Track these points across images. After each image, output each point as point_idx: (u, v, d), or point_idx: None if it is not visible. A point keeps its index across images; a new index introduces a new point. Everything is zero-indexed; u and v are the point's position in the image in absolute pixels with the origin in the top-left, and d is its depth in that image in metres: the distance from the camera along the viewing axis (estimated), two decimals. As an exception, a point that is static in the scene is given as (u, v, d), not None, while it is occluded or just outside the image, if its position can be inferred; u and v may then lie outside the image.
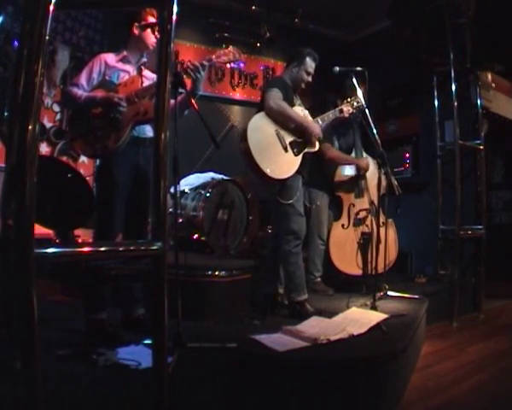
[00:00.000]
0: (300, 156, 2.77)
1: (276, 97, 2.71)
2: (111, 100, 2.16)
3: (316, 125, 2.82)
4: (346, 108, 3.02)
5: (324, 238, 3.55)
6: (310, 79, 2.90)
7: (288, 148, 2.72)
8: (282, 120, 2.73)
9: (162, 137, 1.06)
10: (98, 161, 2.42)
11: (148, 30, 2.30)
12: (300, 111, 2.85)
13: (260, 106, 2.83)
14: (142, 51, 2.37)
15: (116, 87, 2.24)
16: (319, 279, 3.50)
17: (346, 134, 3.74)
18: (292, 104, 2.81)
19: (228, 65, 2.44)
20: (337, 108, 2.98)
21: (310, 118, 2.88)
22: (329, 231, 3.57)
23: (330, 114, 2.96)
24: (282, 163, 2.70)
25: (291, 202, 2.73)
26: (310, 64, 2.86)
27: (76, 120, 2.26)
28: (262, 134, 2.69)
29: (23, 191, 0.76)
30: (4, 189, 0.78)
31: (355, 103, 3.07)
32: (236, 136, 5.44)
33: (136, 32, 2.30)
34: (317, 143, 2.86)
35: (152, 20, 2.29)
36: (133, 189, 2.29)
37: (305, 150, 2.80)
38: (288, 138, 2.74)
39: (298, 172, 2.75)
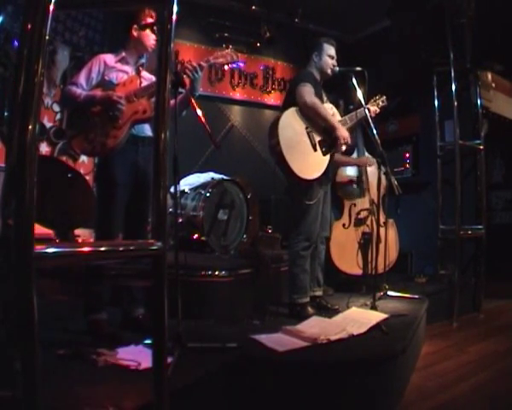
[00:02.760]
0: (328, 156, 2.76)
1: (310, 93, 2.67)
2: (110, 98, 2.17)
3: (344, 129, 2.77)
4: (373, 108, 3.00)
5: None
6: (334, 62, 2.87)
7: (317, 146, 2.71)
8: (314, 118, 2.71)
9: (162, 137, 1.06)
10: (97, 160, 2.42)
11: (147, 31, 2.31)
12: (330, 109, 2.83)
13: (289, 100, 2.78)
14: (141, 53, 2.39)
15: (115, 87, 2.25)
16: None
17: (350, 135, 3.74)
18: (321, 101, 2.79)
19: (226, 66, 2.45)
20: (363, 108, 2.90)
21: (338, 117, 2.87)
22: (330, 230, 3.57)
23: (357, 113, 2.91)
24: (311, 163, 2.68)
25: (312, 202, 2.70)
26: (329, 48, 2.86)
27: (75, 118, 2.27)
28: (292, 131, 2.66)
29: (23, 191, 0.76)
30: (4, 189, 0.78)
31: (380, 102, 3.06)
32: (238, 135, 5.46)
33: (134, 33, 2.32)
34: (344, 146, 2.84)
35: (151, 21, 2.29)
36: (133, 188, 2.30)
37: (333, 150, 2.79)
38: (318, 137, 2.73)
39: (323, 172, 2.73)
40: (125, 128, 2.21)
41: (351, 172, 3.66)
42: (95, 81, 2.26)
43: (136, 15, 2.30)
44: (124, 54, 2.35)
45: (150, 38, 2.32)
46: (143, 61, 2.40)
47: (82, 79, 2.24)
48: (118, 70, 2.31)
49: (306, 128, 2.70)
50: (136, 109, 2.23)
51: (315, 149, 2.70)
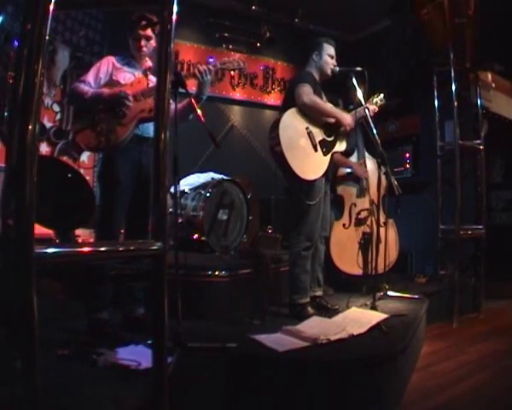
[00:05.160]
0: (329, 157, 2.77)
1: (309, 92, 2.68)
2: (118, 95, 2.20)
3: (348, 115, 2.80)
4: (372, 107, 3.00)
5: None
6: (334, 62, 2.88)
7: (318, 147, 2.72)
8: (315, 116, 2.72)
9: (162, 137, 1.06)
10: (101, 159, 2.43)
11: (132, 39, 2.35)
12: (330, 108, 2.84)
13: (288, 101, 2.79)
14: (144, 57, 2.41)
15: (122, 86, 2.28)
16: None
17: (349, 135, 3.74)
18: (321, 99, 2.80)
19: (232, 72, 2.47)
20: (363, 106, 2.90)
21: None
22: (331, 230, 3.57)
23: (357, 113, 2.91)
24: (312, 163, 2.69)
25: (314, 202, 2.71)
26: (329, 47, 2.87)
27: (81, 113, 2.29)
28: (293, 132, 2.67)
29: (23, 191, 0.76)
30: (4, 189, 0.78)
31: (378, 101, 3.09)
32: (238, 135, 5.46)
33: (130, 41, 2.37)
34: (344, 143, 2.86)
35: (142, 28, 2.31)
36: (136, 188, 2.31)
37: (334, 150, 2.80)
38: (318, 137, 2.74)
39: (324, 173, 2.74)
40: (130, 126, 2.24)
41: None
42: (103, 81, 2.30)
43: (130, 22, 2.34)
44: (130, 58, 2.40)
45: (136, 45, 2.34)
46: (149, 64, 2.42)
47: (90, 77, 2.28)
48: (125, 72, 2.34)
49: (307, 129, 2.70)
50: (143, 108, 2.26)
51: (315, 150, 2.71)
